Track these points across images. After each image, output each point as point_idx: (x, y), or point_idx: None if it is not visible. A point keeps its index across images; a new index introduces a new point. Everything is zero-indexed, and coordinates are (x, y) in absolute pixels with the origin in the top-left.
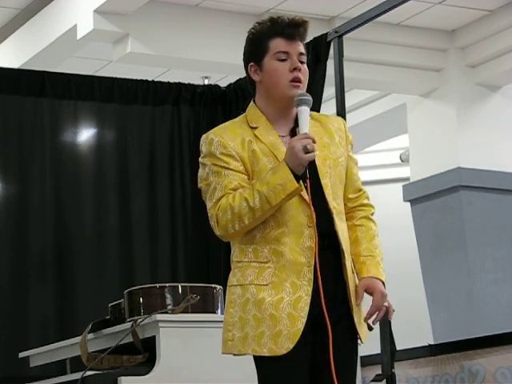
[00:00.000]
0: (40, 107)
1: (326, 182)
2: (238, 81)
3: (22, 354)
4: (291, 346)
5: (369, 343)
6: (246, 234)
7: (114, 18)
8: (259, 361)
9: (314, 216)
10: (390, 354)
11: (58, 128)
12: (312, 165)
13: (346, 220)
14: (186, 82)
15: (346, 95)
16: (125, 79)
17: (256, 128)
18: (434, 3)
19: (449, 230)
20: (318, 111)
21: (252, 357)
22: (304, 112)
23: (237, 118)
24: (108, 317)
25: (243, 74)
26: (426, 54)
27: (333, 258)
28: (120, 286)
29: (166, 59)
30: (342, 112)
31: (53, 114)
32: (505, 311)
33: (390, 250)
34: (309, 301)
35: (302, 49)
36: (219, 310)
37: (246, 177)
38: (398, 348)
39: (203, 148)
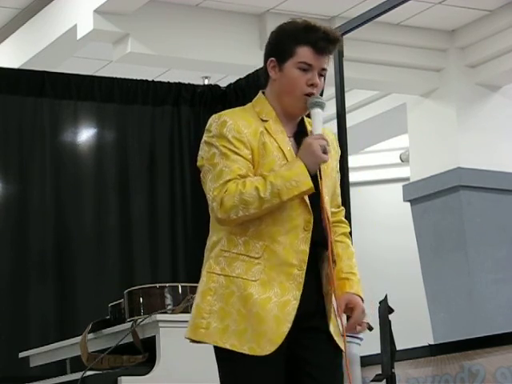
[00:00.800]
0: (40, 107)
1: (324, 190)
2: (237, 81)
3: (21, 354)
4: (273, 349)
5: (369, 343)
6: (239, 224)
7: (114, 18)
8: (230, 355)
9: (312, 221)
10: (390, 354)
11: (58, 128)
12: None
13: None
14: (186, 82)
15: (346, 95)
16: (125, 79)
17: (266, 121)
18: (433, 3)
19: (449, 230)
20: None
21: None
22: (317, 114)
23: (245, 107)
24: (108, 317)
25: (243, 74)
26: (426, 54)
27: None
28: (120, 286)
29: (166, 59)
30: (341, 112)
31: (53, 113)
32: (505, 311)
33: (390, 250)
34: (296, 306)
35: (326, 64)
36: None
37: (252, 167)
38: (398, 348)
39: (213, 128)
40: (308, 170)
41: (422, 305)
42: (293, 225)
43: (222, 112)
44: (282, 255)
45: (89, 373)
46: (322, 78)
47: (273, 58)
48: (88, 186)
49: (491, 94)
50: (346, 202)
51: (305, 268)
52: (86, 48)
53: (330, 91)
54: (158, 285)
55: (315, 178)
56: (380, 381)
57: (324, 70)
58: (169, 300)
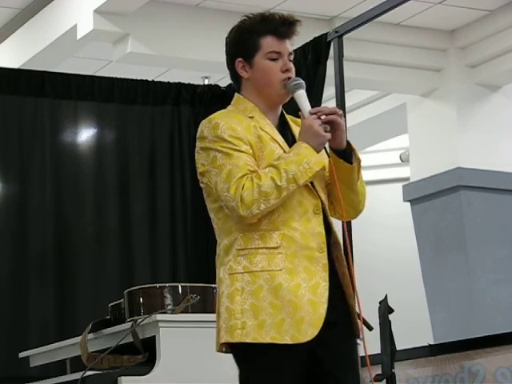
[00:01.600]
0: (40, 107)
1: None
2: None
3: (22, 354)
4: (316, 332)
5: (369, 343)
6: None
7: (114, 18)
8: (264, 351)
9: (320, 204)
10: (390, 354)
11: (58, 128)
12: None
13: None
14: (186, 82)
15: (346, 95)
16: (125, 79)
17: (252, 117)
18: (433, 3)
19: (449, 230)
20: None
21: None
22: (301, 95)
23: (228, 108)
24: (108, 317)
25: None
26: (426, 54)
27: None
28: (120, 286)
29: (166, 59)
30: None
31: (53, 114)
32: (505, 311)
33: (390, 250)
34: (327, 287)
35: (291, 48)
36: None
37: (254, 161)
38: (398, 348)
39: (206, 133)
40: (316, 150)
41: (421, 305)
42: (303, 210)
43: (211, 116)
44: (300, 240)
45: (89, 373)
46: (291, 63)
47: (240, 59)
48: (88, 185)
49: (491, 93)
50: None
51: (325, 249)
52: (85, 48)
53: (330, 91)
54: (158, 285)
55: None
56: (380, 381)
57: (291, 54)
58: (169, 300)
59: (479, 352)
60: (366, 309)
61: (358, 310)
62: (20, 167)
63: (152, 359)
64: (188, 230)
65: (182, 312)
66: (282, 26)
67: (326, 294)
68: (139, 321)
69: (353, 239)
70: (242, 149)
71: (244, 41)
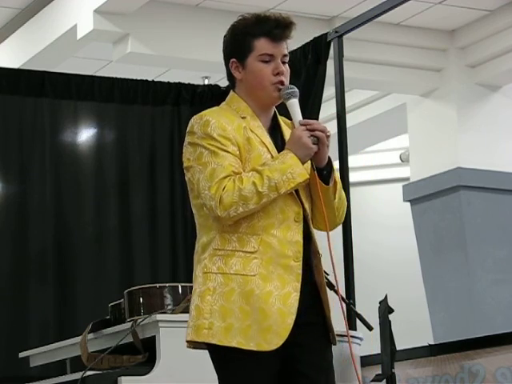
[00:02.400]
0: (40, 107)
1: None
2: None
3: (22, 354)
4: (280, 342)
5: (369, 343)
6: (236, 221)
7: (114, 18)
8: (232, 354)
9: (302, 212)
10: (390, 353)
11: (58, 128)
12: None
13: None
14: (186, 82)
15: (346, 95)
16: (125, 79)
17: (245, 118)
18: (433, 3)
19: (449, 230)
20: (318, 111)
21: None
22: (294, 104)
23: (221, 106)
24: (108, 317)
25: None
26: (426, 54)
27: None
28: (120, 286)
29: (166, 59)
30: (341, 112)
31: (53, 114)
32: (505, 311)
33: (390, 250)
34: (297, 297)
35: (285, 50)
36: None
37: (240, 163)
38: (398, 348)
39: (195, 129)
40: (302, 161)
41: (422, 305)
42: (284, 217)
43: (203, 112)
44: (277, 247)
45: (89, 373)
46: (286, 65)
47: (233, 59)
48: (88, 185)
49: (491, 93)
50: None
51: (301, 259)
52: (86, 48)
53: (330, 91)
54: (158, 285)
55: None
56: (380, 381)
57: (285, 56)
58: (169, 300)
59: (479, 352)
60: (366, 309)
61: (355, 309)
62: (20, 167)
63: (152, 359)
64: (188, 230)
65: (182, 312)
66: (277, 28)
67: (296, 304)
68: (139, 321)
69: (353, 239)
70: (229, 149)
71: (238, 42)
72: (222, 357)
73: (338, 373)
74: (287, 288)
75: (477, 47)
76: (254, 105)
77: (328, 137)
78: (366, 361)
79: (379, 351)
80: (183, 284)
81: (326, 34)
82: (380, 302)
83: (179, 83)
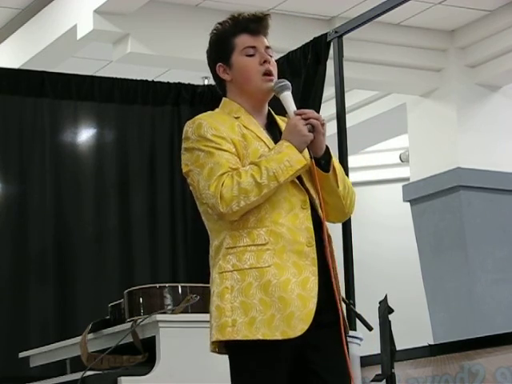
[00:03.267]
0: (40, 107)
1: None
2: None
3: (22, 354)
4: (305, 327)
5: (369, 343)
6: (239, 218)
7: (113, 18)
8: (255, 348)
9: (308, 199)
10: (390, 354)
11: (58, 128)
12: None
13: None
14: (186, 82)
15: (346, 95)
16: (125, 79)
17: (238, 117)
18: (433, 3)
19: (449, 230)
20: (318, 111)
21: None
22: (287, 97)
23: (214, 111)
24: (108, 317)
25: None
26: (426, 54)
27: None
28: (120, 286)
29: (166, 59)
30: (341, 112)
31: (53, 114)
32: (505, 311)
33: (390, 250)
34: (316, 281)
35: (267, 43)
36: None
37: (238, 159)
38: (397, 348)
39: (189, 134)
40: (298, 149)
41: (421, 305)
42: (290, 206)
43: (196, 117)
44: (287, 236)
45: (89, 373)
46: (273, 59)
47: (219, 63)
48: (88, 185)
49: (491, 93)
50: None
51: (314, 244)
52: (86, 48)
53: (330, 91)
54: (158, 285)
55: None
56: (380, 381)
57: (268, 48)
58: (169, 300)
59: (479, 352)
60: (366, 309)
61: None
62: (20, 167)
63: (152, 359)
64: (188, 230)
65: (181, 312)
66: (253, 22)
67: (316, 288)
68: (139, 321)
69: (353, 239)
70: (224, 147)
71: (219, 45)
72: (247, 352)
73: None
74: (305, 273)
75: (477, 47)
76: (247, 104)
77: (323, 125)
78: (366, 361)
79: (379, 351)
80: (183, 284)
81: (326, 34)
82: (380, 302)
83: (179, 83)
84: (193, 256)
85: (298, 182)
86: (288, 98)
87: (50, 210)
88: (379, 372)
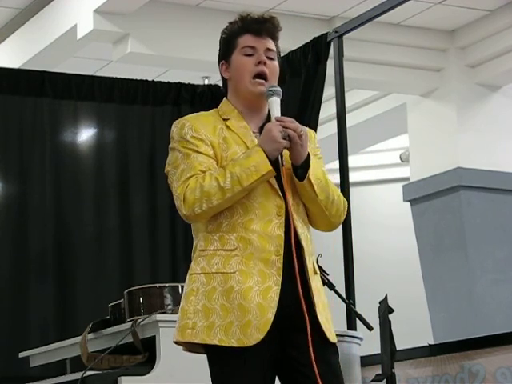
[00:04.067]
0: (40, 107)
1: (285, 177)
2: None
3: (22, 354)
4: (261, 337)
5: (369, 343)
6: (212, 221)
7: (113, 18)
8: (218, 352)
9: (284, 206)
10: (390, 353)
11: (58, 128)
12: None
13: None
14: (186, 82)
15: (346, 95)
16: (125, 79)
17: (228, 119)
18: (434, 3)
19: (449, 230)
20: (318, 111)
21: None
22: (274, 102)
23: (209, 111)
24: (108, 317)
25: None
26: (426, 54)
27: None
28: (120, 286)
29: (166, 59)
30: (341, 112)
31: (53, 114)
32: (505, 311)
33: (389, 250)
34: (278, 291)
35: (270, 45)
36: None
37: (214, 162)
38: (398, 348)
39: (174, 134)
40: (268, 156)
41: (422, 305)
42: (265, 212)
43: (183, 117)
44: (257, 243)
45: (89, 373)
46: (275, 62)
47: (222, 61)
48: (88, 185)
49: (491, 94)
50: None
51: (282, 253)
52: (86, 48)
53: (330, 91)
54: (158, 285)
55: (277, 165)
56: (380, 381)
57: (270, 50)
58: (169, 300)
59: (479, 352)
60: (366, 309)
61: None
62: (20, 167)
63: (152, 359)
64: (188, 230)
65: None
66: (256, 23)
67: (277, 298)
68: (139, 321)
69: (353, 239)
70: (200, 149)
71: (225, 44)
72: (212, 355)
73: None
74: (268, 282)
75: (477, 47)
76: (241, 104)
77: (300, 136)
78: (366, 361)
79: (379, 351)
80: (183, 284)
81: (326, 34)
82: (380, 302)
83: (179, 83)
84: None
85: (277, 187)
86: (273, 104)
87: (50, 210)
88: (379, 372)
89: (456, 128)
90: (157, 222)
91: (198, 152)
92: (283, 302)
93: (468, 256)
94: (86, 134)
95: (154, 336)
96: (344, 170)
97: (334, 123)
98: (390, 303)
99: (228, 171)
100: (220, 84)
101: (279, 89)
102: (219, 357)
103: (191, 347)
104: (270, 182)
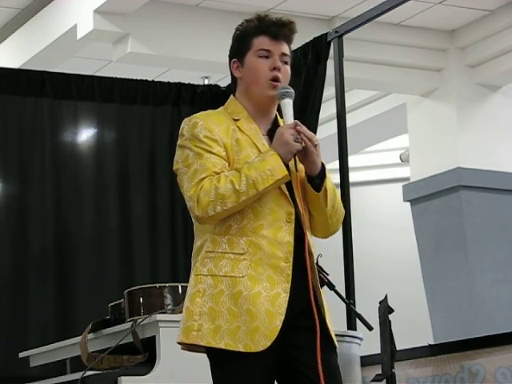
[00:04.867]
0: (40, 107)
1: (298, 183)
2: None
3: (22, 354)
4: (268, 344)
5: (369, 343)
6: (221, 224)
7: (113, 18)
8: (223, 356)
9: (294, 213)
10: (390, 353)
11: (58, 128)
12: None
13: None
14: (186, 82)
15: (346, 95)
16: (125, 79)
17: (238, 120)
18: (433, 3)
19: (449, 230)
20: (318, 111)
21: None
22: (287, 104)
23: (217, 109)
24: (108, 317)
25: None
26: (426, 54)
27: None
28: (120, 286)
29: (166, 59)
30: (341, 112)
31: (53, 114)
32: (505, 311)
33: (390, 250)
34: (287, 298)
35: (285, 49)
36: None
37: (227, 164)
38: (398, 348)
39: (185, 131)
40: (282, 160)
41: (422, 305)
42: (275, 218)
43: (194, 115)
44: (266, 249)
45: (89, 373)
46: (288, 66)
47: (234, 59)
48: (88, 185)
49: (491, 94)
50: (346, 202)
51: (291, 260)
52: (86, 48)
53: (330, 91)
54: (158, 285)
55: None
56: (380, 381)
57: (285, 55)
58: (169, 300)
59: (479, 352)
60: (366, 309)
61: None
62: (20, 167)
63: (152, 359)
64: (188, 230)
65: (181, 312)
66: (275, 26)
67: (285, 305)
68: (139, 321)
69: (353, 239)
70: (213, 150)
71: (239, 42)
72: (216, 358)
73: None
74: (276, 289)
75: (477, 47)
76: (251, 106)
77: (316, 146)
78: (366, 361)
79: (379, 351)
80: (183, 284)
81: (326, 34)
82: (380, 302)
83: (179, 83)
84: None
85: (287, 193)
86: (287, 106)
87: (50, 210)
88: (379, 372)
89: (456, 128)
90: (157, 222)
91: (210, 153)
92: (291, 309)
93: (468, 256)
94: (85, 134)
95: (154, 336)
96: (344, 170)
97: (334, 123)
98: (390, 303)
99: (243, 174)
100: (220, 84)
101: (292, 90)
102: (223, 360)
103: (191, 347)
104: (280, 188)
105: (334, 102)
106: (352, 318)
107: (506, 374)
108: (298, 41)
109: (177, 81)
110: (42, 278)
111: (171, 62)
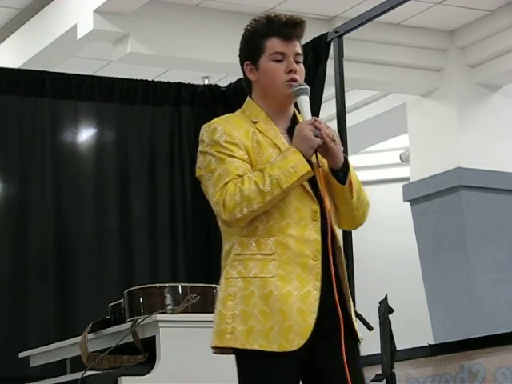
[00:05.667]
0: (40, 107)
1: (319, 180)
2: (237, 81)
3: (22, 354)
4: (302, 342)
5: (369, 343)
6: (248, 225)
7: (113, 18)
8: (255, 356)
9: (319, 210)
10: (390, 353)
11: (58, 128)
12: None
13: None
14: (186, 82)
15: (346, 95)
16: (125, 79)
17: (257, 122)
18: (433, 3)
19: (449, 230)
20: (318, 111)
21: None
22: (304, 101)
23: (235, 113)
24: (108, 317)
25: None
26: (426, 54)
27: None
28: (120, 286)
29: (166, 59)
30: (342, 112)
31: (53, 114)
32: (505, 311)
33: (390, 250)
34: (318, 296)
35: (298, 49)
36: None
37: (249, 166)
38: (397, 348)
39: (205, 137)
40: (304, 156)
41: (422, 305)
42: (301, 216)
43: (212, 120)
44: (294, 248)
45: (89, 373)
46: (301, 64)
47: (247, 62)
48: (88, 185)
49: (491, 94)
50: None
51: (320, 257)
52: (86, 48)
53: (330, 91)
54: (158, 285)
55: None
56: (380, 381)
57: (298, 54)
58: (169, 300)
59: (479, 352)
60: (366, 309)
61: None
62: (20, 167)
63: (152, 359)
64: (188, 230)
65: (182, 312)
66: (286, 26)
67: (317, 303)
68: (139, 321)
69: (353, 239)
70: (235, 154)
71: (250, 44)
72: (248, 359)
73: None
74: (307, 287)
75: (477, 47)
76: (269, 107)
77: (334, 141)
78: (366, 361)
79: (379, 351)
80: (183, 284)
81: (326, 34)
82: (380, 302)
83: (179, 83)
84: (193, 256)
85: (311, 191)
86: (304, 103)
87: (50, 210)
88: (379, 372)
89: (456, 128)
90: (157, 222)
91: (232, 157)
92: (322, 307)
93: (468, 256)
94: (85, 134)
95: (154, 336)
96: None
97: (334, 123)
98: (390, 303)
99: (267, 174)
100: (220, 84)
101: (307, 87)
102: (256, 361)
103: (224, 350)
104: (303, 186)
105: (334, 102)
106: None
107: (506, 373)
108: None
109: (177, 81)
110: (42, 277)
111: (171, 62)
